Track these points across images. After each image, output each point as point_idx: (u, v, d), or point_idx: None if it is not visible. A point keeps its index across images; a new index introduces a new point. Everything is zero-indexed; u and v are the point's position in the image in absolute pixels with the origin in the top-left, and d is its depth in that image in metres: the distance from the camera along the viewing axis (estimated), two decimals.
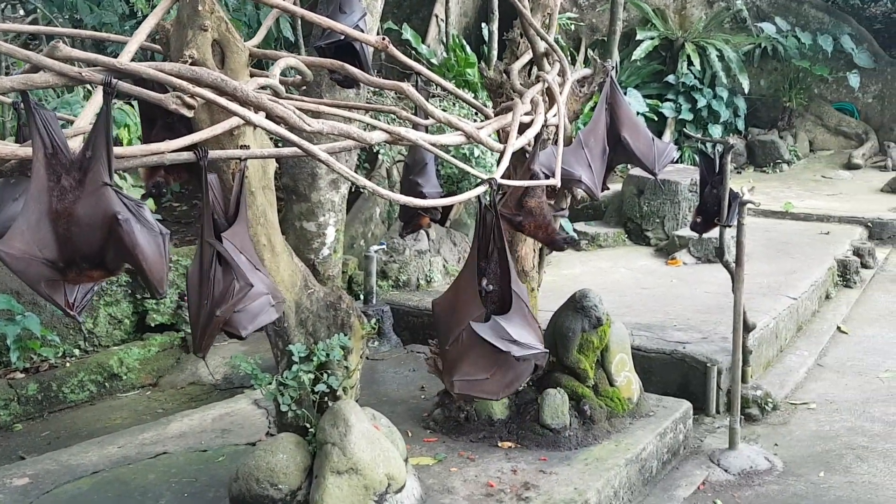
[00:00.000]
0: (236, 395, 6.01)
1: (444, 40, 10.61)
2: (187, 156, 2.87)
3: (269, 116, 2.53)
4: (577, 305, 4.99)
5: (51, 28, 5.42)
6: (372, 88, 6.23)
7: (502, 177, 3.38)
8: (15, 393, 6.19)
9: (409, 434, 4.88)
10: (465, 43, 10.31)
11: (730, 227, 5.12)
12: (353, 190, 7.09)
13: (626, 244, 9.67)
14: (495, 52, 9.34)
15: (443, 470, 4.53)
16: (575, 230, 9.54)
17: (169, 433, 5.16)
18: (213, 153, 2.95)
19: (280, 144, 3.24)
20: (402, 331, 7.12)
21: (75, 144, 2.61)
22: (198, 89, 2.35)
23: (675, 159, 4.80)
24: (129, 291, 7.14)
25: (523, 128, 3.72)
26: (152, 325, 7.18)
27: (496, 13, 9.55)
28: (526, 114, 3.79)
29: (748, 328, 5.70)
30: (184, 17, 3.00)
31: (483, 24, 10.90)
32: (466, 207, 8.49)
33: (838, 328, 7.63)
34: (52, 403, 6.35)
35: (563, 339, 4.95)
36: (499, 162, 3.39)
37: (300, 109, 2.74)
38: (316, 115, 2.90)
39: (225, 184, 3.38)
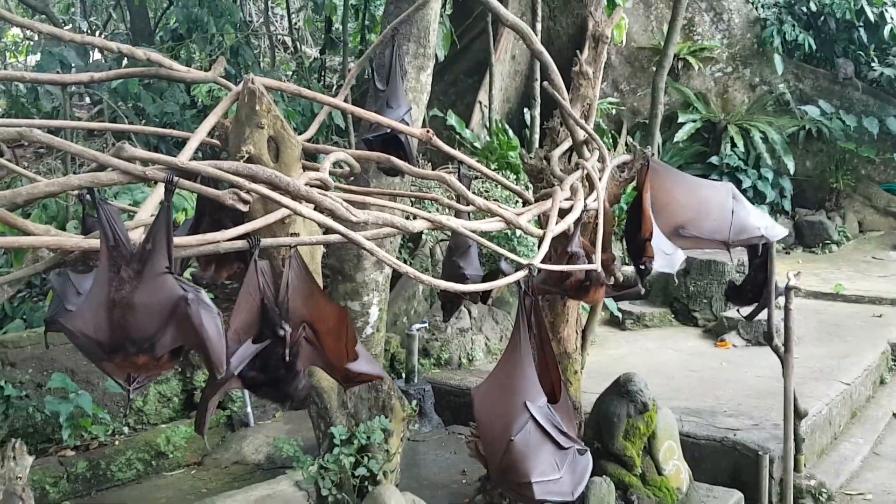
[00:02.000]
0: (278, 475, 6.02)
1: (488, 125, 10.93)
2: (241, 244, 3.03)
3: (318, 208, 2.66)
4: (622, 390, 4.93)
5: (118, 125, 5.78)
6: None
7: (542, 261, 3.44)
8: (65, 471, 6.30)
9: None
10: (507, 127, 10.60)
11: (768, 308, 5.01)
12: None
13: (672, 324, 9.54)
14: (537, 136, 9.57)
15: None
16: (620, 309, 9.47)
17: None
18: (265, 241, 3.09)
19: (327, 232, 3.39)
20: (444, 410, 7.09)
21: (136, 235, 2.77)
22: (253, 185, 2.50)
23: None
24: (179, 370, 7.29)
25: (563, 213, 3.80)
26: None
27: (538, 99, 9.85)
28: (566, 199, 3.87)
29: (800, 415, 5.54)
30: (242, 115, 3.21)
31: (525, 109, 11.21)
32: (509, 286, 8.53)
33: (894, 414, 7.33)
34: (99, 481, 6.44)
35: (609, 424, 4.88)
36: (538, 246, 3.46)
37: (347, 201, 2.87)
38: (362, 205, 3.03)
39: (275, 270, 3.52)
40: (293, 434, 7.12)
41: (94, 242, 2.59)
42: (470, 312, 8.06)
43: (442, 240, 8.50)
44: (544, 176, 4.71)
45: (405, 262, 8.41)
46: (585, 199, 4.02)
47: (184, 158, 2.52)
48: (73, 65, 8.92)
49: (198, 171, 2.44)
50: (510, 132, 10.37)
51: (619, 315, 9.48)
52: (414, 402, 6.46)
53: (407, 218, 3.09)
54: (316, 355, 3.34)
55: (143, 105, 9.31)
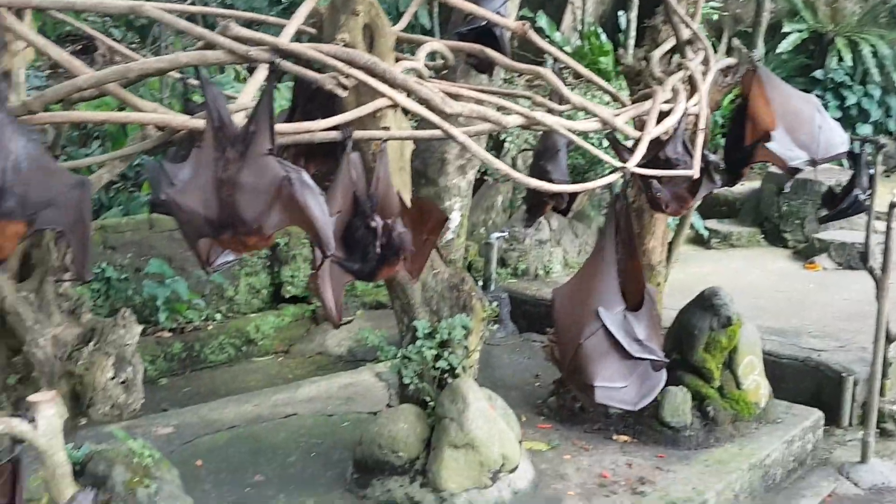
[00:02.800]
0: (359, 367, 6.29)
1: (579, 28, 10.48)
2: (334, 135, 3.06)
3: (414, 98, 2.64)
4: (705, 303, 4.86)
5: (210, 9, 5.81)
6: (503, 76, 6.29)
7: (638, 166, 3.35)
8: (162, 350, 6.74)
9: (523, 419, 4.92)
10: (600, 31, 10.14)
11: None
12: (476, 177, 7.18)
13: (760, 245, 9.23)
14: (632, 41, 9.12)
15: (555, 456, 4.55)
16: (706, 228, 9.21)
17: (299, 397, 5.48)
18: (358, 133, 3.11)
19: (419, 128, 3.37)
20: (519, 319, 7.17)
21: (238, 119, 2.82)
22: (352, 70, 2.49)
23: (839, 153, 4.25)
24: (268, 264, 7.59)
25: (662, 116, 3.66)
26: (286, 296, 7.61)
27: (636, 0, 9.32)
28: (665, 102, 3.72)
29: (890, 339, 5.33)
30: (338, 2, 3.17)
31: (619, 13, 10.66)
32: (591, 199, 8.39)
33: None
34: (193, 362, 6.88)
35: (689, 336, 4.84)
36: (633, 150, 3.36)
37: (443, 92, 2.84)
38: (456, 97, 2.99)
39: (365, 164, 3.55)
40: (376, 329, 7.39)
41: (199, 123, 2.65)
42: (549, 224, 8.00)
43: (524, 149, 8.35)
44: (642, 78, 4.53)
45: (484, 174, 8.34)
46: (687, 102, 3.85)
47: (284, 41, 2.52)
48: None
49: (300, 53, 2.44)
50: (603, 36, 9.91)
51: (706, 233, 9.22)
52: (494, 304, 6.55)
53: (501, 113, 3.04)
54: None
55: (232, 0, 9.35)
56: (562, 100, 3.46)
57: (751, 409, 4.86)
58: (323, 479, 4.33)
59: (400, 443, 4.09)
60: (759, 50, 6.49)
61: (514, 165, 8.51)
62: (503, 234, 7.51)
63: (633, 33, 9.05)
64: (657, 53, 4.52)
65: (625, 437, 4.71)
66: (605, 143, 7.59)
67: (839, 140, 4.23)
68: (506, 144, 7.80)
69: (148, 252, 6.83)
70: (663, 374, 3.47)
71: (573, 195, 5.86)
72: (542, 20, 10.13)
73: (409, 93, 2.61)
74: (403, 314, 4.33)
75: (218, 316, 7.29)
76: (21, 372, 3.05)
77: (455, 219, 6.38)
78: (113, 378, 3.02)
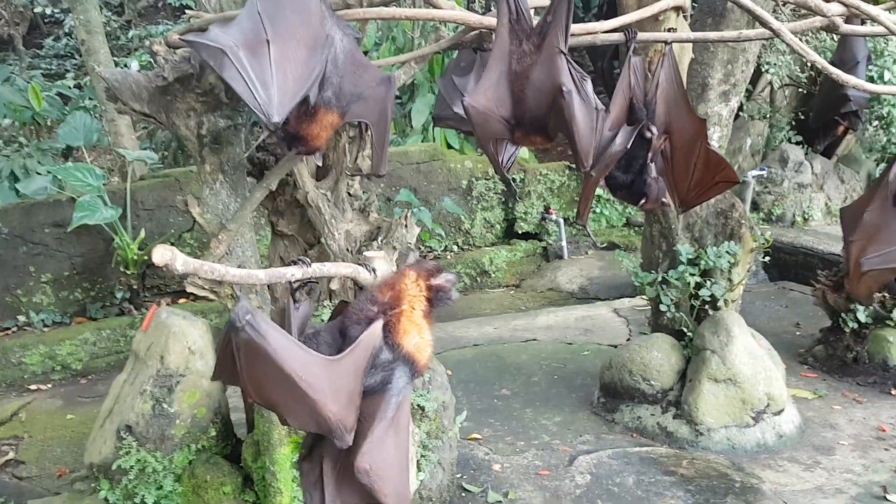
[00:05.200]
0: (595, 302, 6.22)
1: None
2: (618, 37, 2.95)
3: None
4: None
5: None
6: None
7: None
8: None
9: (785, 366, 4.57)
10: None
11: None
12: None
13: None
14: None
15: (823, 406, 4.18)
16: None
17: (537, 324, 5.54)
18: (642, 35, 2.97)
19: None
20: (771, 267, 6.65)
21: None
22: None
23: None
24: (503, 199, 7.72)
25: None
26: (519, 232, 7.71)
27: None
28: None
29: None
30: None
31: None
32: (861, 141, 7.48)
33: None
34: None
35: None
36: None
37: None
38: None
39: (643, 71, 3.40)
40: (605, 270, 7.27)
41: (492, 21, 2.67)
42: (812, 167, 7.27)
43: (786, 84, 7.63)
44: None
45: (741, 108, 7.73)
46: None
47: None
48: None
49: None
50: None
51: None
52: (768, 233, 6.10)
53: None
54: (666, 169, 3.23)
55: None
56: None
57: None
58: (568, 399, 4.34)
59: (653, 371, 3.98)
60: None
61: (772, 102, 7.83)
62: (762, 173, 6.91)
63: None
64: None
65: None
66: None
67: None
68: (768, 75, 7.13)
69: (398, 183, 7.23)
70: None
71: (852, 126, 5.25)
72: None
73: None
74: (662, 239, 4.15)
75: (455, 247, 7.58)
76: None
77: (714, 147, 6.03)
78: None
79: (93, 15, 6.92)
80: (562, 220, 7.57)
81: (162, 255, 1.39)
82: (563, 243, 7.54)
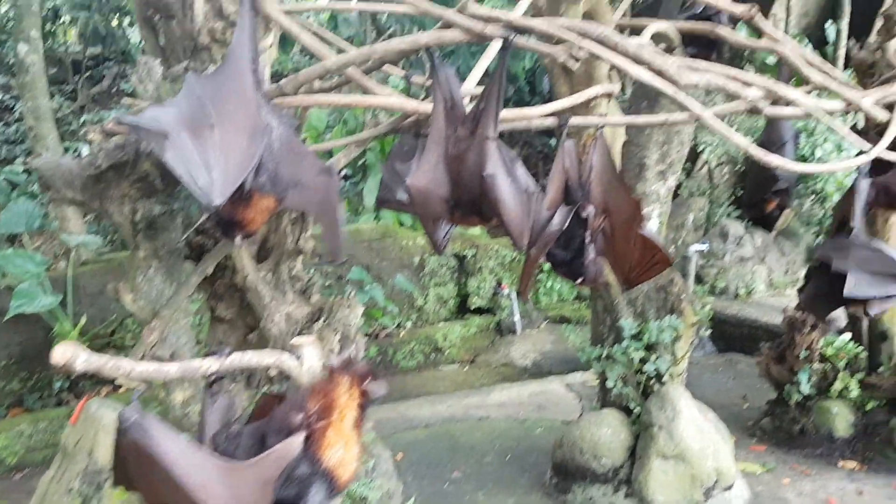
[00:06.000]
0: (548, 377, 6.20)
1: None
2: (550, 121, 3.05)
3: (649, 68, 2.56)
4: None
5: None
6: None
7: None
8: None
9: (734, 439, 4.58)
10: (805, 42, 9.49)
11: None
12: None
13: None
14: (842, 52, 8.49)
15: (772, 479, 4.18)
16: None
17: (490, 401, 5.49)
18: (574, 119, 3.08)
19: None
20: (717, 339, 6.75)
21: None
22: (585, 42, 2.46)
23: None
24: (456, 275, 7.76)
25: None
26: (472, 307, 7.72)
27: (846, 9, 8.67)
28: None
29: None
30: None
31: (827, 24, 9.94)
32: (799, 215, 7.77)
33: None
34: (387, 367, 7.13)
35: None
36: (881, 134, 3.04)
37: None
38: (692, 69, 2.86)
39: (578, 154, 3.51)
40: (557, 344, 7.29)
41: (430, 107, 2.74)
42: (753, 241, 7.50)
43: (721, 164, 7.95)
44: (876, 69, 4.14)
45: (680, 185, 8.02)
46: None
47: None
48: None
49: (533, 27, 2.46)
50: (808, 47, 9.27)
51: None
52: (707, 307, 6.18)
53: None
54: (606, 248, 3.29)
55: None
56: (789, 79, 3.22)
57: None
58: (521, 480, 4.27)
59: (603, 448, 3.94)
60: None
61: (710, 179, 8.13)
62: (703, 248, 7.11)
63: (843, 44, 8.42)
64: (893, 43, 4.12)
65: (853, 464, 4.23)
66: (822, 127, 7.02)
67: None
68: (704, 156, 7.44)
69: (350, 261, 7.23)
70: None
71: (784, 204, 5.46)
72: (742, 33, 9.64)
73: (644, 64, 2.53)
74: (606, 314, 4.20)
75: (408, 324, 7.54)
76: (256, 348, 3.28)
77: (654, 226, 6.18)
78: (338, 355, 3.16)
79: (42, 101, 6.92)
80: (514, 295, 7.62)
81: (62, 353, 1.35)
82: (516, 318, 7.56)
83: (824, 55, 9.37)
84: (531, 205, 2.83)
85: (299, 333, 3.29)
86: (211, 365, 1.57)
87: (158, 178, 2.67)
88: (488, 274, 7.76)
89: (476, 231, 8.07)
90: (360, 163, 8.14)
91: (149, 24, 3.16)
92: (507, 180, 2.69)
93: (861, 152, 2.94)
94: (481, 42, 2.57)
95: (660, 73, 2.53)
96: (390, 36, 10.04)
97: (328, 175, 2.58)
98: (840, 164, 3.06)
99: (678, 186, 7.79)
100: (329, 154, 3.47)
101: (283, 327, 3.23)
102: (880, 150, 2.97)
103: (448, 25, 2.53)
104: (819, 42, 10.39)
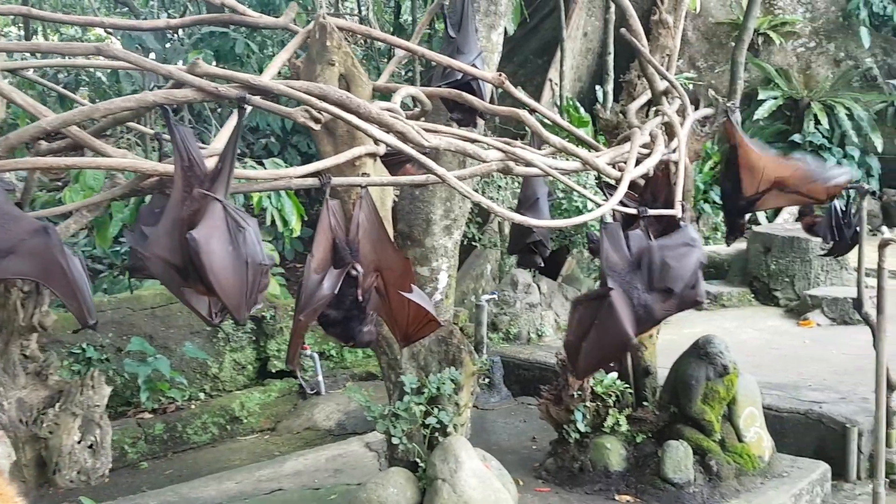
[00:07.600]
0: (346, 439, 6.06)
1: (558, 103, 10.73)
2: (312, 181, 3.02)
3: (390, 131, 2.62)
4: (700, 352, 4.74)
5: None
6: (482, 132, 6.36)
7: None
8: (143, 432, 6.50)
9: (521, 483, 4.71)
10: (578, 104, 10.39)
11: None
12: (464, 244, 7.17)
13: (752, 304, 9.16)
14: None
15: None
16: None
17: (284, 471, 5.24)
18: (336, 179, 3.07)
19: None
20: (512, 384, 7.00)
21: (210, 164, 2.77)
22: (324, 105, 2.47)
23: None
24: (254, 338, 7.44)
25: (641, 160, 3.65)
26: (273, 371, 7.43)
27: (611, 74, 9.65)
28: (643, 146, 3.72)
29: (892, 387, 5.19)
30: (313, 53, 3.19)
31: (597, 87, 10.97)
32: (579, 263, 8.36)
33: None
34: (176, 444, 6.62)
35: (686, 387, 4.69)
36: (615, 188, 3.33)
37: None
38: (434, 132, 2.97)
39: (346, 213, 3.50)
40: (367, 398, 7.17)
41: (168, 167, 2.60)
42: (539, 288, 7.93)
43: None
44: (620, 130, 4.56)
45: (473, 238, 8.32)
46: (666, 146, 3.86)
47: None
48: (151, 49, 9.26)
49: (270, 89, 2.43)
50: (581, 109, 10.16)
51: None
52: (485, 357, 6.35)
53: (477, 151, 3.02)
54: (382, 306, 3.29)
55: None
56: (541, 144, 3.46)
57: (755, 463, 4.66)
58: None
59: None
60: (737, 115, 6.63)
61: (500, 232, 8.52)
62: (493, 296, 7.42)
63: (609, 105, 9.28)
64: (633, 106, 4.58)
65: (627, 497, 4.49)
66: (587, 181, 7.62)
67: (836, 173, 4.38)
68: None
69: (129, 331, 6.70)
70: None
71: (560, 257, 5.83)
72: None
73: (385, 127, 2.58)
74: (390, 370, 4.19)
75: (201, 395, 7.08)
76: None
77: (443, 280, 6.30)
78: (80, 441, 2.85)
79: None
80: (317, 356, 7.44)
81: None
82: (320, 378, 7.38)
83: (595, 116, 10.32)
84: (253, 276, 2.58)
85: (35, 420, 2.94)
86: None
87: None
88: (288, 335, 7.52)
89: (275, 290, 7.83)
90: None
91: None
92: (221, 245, 2.45)
93: (598, 205, 3.20)
94: (218, 101, 2.49)
95: (402, 137, 2.59)
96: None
97: (44, 235, 2.34)
98: (576, 219, 3.30)
99: (476, 239, 8.10)
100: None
101: (15, 414, 2.87)
102: (613, 205, 3.24)
103: (180, 84, 2.43)
104: (591, 104, 11.43)
